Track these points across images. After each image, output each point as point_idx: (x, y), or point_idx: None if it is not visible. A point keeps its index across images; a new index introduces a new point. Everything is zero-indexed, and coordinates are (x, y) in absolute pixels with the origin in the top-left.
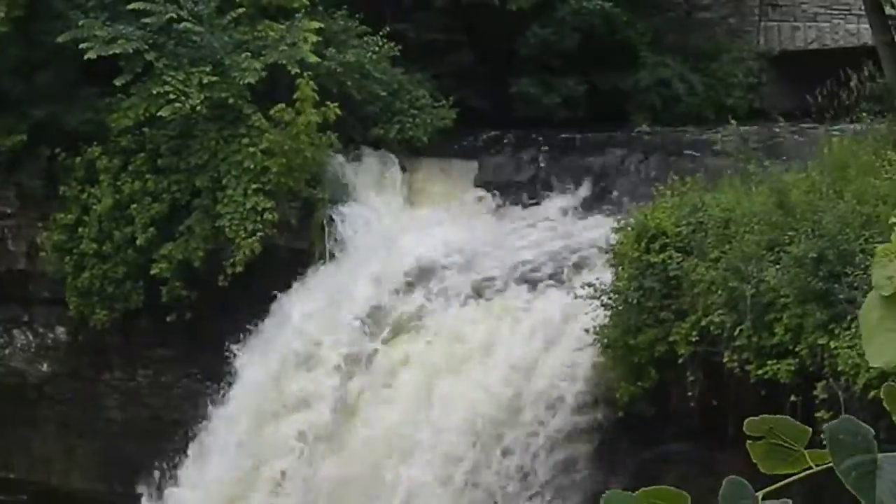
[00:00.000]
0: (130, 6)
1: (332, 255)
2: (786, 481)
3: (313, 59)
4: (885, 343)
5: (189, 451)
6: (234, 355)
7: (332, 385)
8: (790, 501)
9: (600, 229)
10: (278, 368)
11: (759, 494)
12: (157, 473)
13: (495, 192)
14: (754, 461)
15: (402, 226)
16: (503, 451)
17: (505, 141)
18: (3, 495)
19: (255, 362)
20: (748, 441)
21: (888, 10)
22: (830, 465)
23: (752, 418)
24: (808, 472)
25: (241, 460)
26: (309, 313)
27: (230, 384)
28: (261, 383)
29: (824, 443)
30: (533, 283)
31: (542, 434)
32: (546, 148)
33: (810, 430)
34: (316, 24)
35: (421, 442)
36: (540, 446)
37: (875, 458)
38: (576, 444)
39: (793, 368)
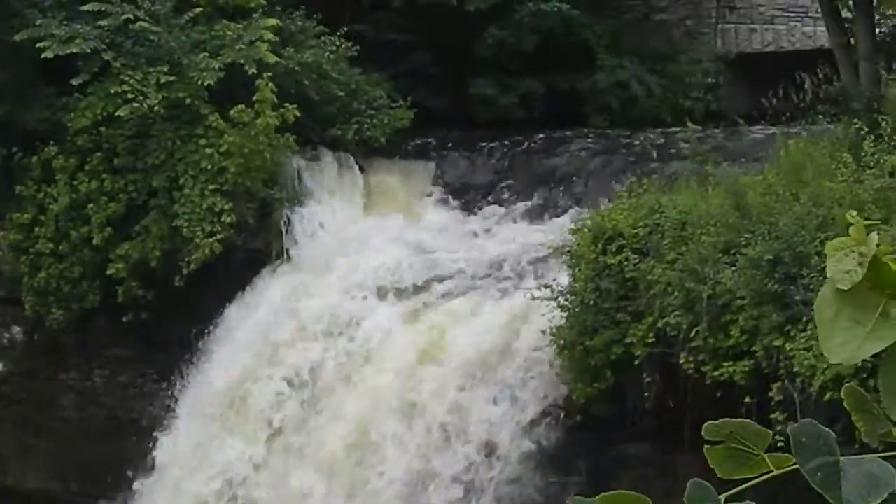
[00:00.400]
0: (87, 6)
1: (289, 256)
2: (747, 485)
3: (271, 58)
4: (843, 340)
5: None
6: (191, 355)
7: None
8: None
9: (557, 231)
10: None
11: (721, 498)
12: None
13: (453, 192)
14: (711, 466)
15: (360, 227)
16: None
17: (463, 142)
18: None
19: (213, 361)
20: (706, 446)
21: (844, 13)
22: (790, 468)
23: (711, 422)
24: (768, 475)
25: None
26: (267, 315)
27: (185, 385)
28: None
29: (780, 445)
30: (493, 284)
31: (498, 436)
32: (504, 149)
33: (770, 433)
34: (273, 23)
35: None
36: (496, 448)
37: (838, 460)
38: (533, 445)
39: (748, 370)
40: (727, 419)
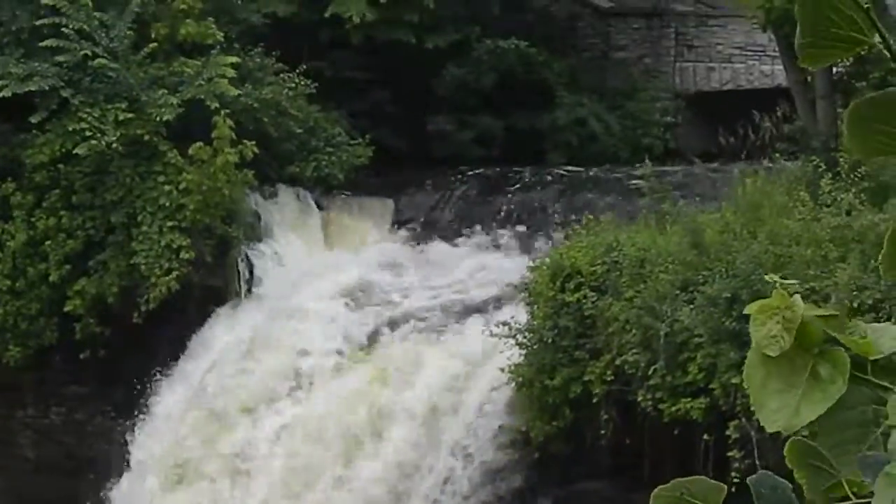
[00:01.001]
0: (45, 42)
1: (249, 292)
2: None
3: (233, 91)
4: (777, 406)
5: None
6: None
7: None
8: None
9: (516, 269)
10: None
11: None
12: None
13: (412, 230)
14: None
15: (318, 263)
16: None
17: (421, 179)
18: None
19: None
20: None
21: None
22: None
23: (661, 487)
24: None
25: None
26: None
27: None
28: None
29: (735, 483)
30: (452, 318)
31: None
32: (465, 187)
33: (725, 487)
34: (232, 60)
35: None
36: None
37: None
38: (493, 482)
39: (705, 407)
40: (678, 480)
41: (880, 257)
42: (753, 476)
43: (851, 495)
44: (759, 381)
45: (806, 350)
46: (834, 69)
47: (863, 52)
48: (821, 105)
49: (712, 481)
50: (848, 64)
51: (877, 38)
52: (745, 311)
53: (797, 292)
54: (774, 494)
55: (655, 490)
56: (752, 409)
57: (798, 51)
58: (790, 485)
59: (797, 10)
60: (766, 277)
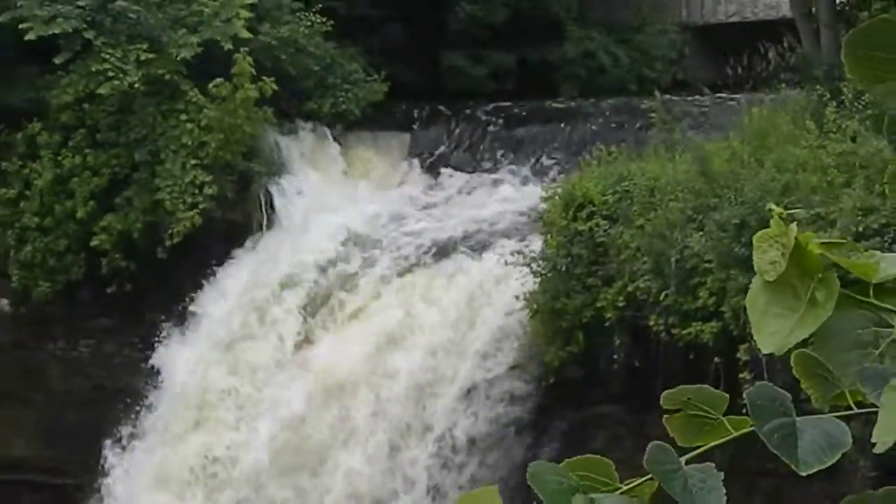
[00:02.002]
0: None
1: (270, 226)
2: (707, 446)
3: (246, 34)
4: (774, 329)
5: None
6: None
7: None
8: (713, 465)
9: (529, 198)
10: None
11: (683, 459)
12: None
13: (427, 162)
14: (671, 434)
15: (337, 196)
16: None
17: (436, 113)
18: None
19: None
20: (665, 415)
21: None
22: (749, 430)
23: (669, 391)
24: (728, 438)
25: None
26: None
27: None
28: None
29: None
30: (469, 246)
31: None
32: (477, 121)
33: (728, 396)
34: (249, 1)
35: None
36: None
37: (794, 421)
38: (509, 406)
39: (716, 331)
40: (683, 386)
41: (886, 179)
42: (753, 388)
43: (854, 406)
44: (760, 306)
45: (807, 276)
46: (838, 2)
47: None
48: (824, 34)
49: (716, 390)
50: None
51: None
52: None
53: (800, 218)
54: (773, 406)
55: (664, 393)
56: (753, 332)
57: None
58: (790, 395)
59: None
60: (769, 206)
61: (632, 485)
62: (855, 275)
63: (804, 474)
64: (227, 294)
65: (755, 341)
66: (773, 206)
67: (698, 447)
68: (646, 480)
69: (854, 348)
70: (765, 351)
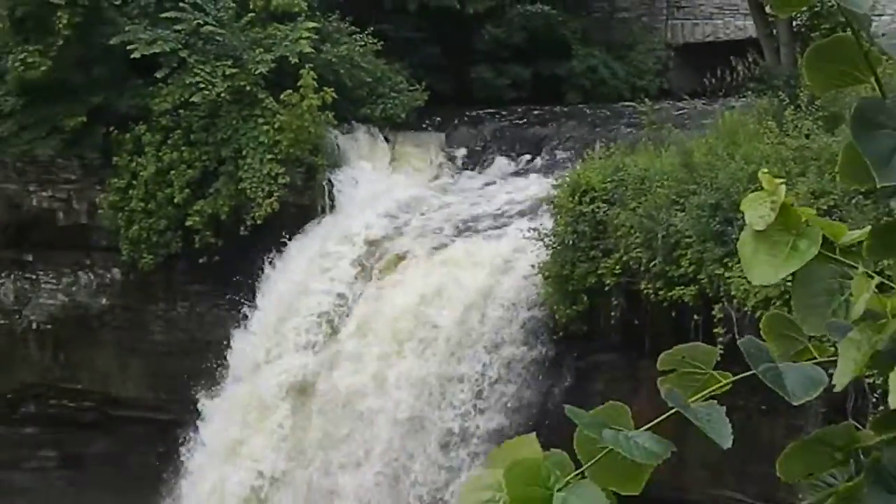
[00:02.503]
0: (166, 14)
1: (331, 208)
2: (702, 394)
3: (308, 50)
4: (762, 269)
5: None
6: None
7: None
8: (715, 402)
9: (541, 185)
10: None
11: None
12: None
13: (458, 156)
14: (665, 394)
15: (386, 184)
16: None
17: (465, 116)
18: (73, 401)
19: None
20: (658, 378)
21: (768, 9)
22: (736, 378)
23: (665, 353)
24: (718, 387)
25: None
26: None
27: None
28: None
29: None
30: (495, 225)
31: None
32: (500, 122)
33: (717, 350)
34: (312, 25)
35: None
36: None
37: (776, 365)
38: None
39: (695, 293)
40: (679, 346)
41: (837, 169)
42: (743, 339)
43: (816, 355)
44: (750, 252)
45: (788, 230)
46: (794, 23)
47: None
48: (783, 51)
49: (707, 346)
50: (805, 18)
51: None
52: (741, 206)
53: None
54: (761, 353)
55: (661, 355)
56: (744, 272)
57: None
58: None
59: None
60: (760, 173)
61: (653, 423)
62: (826, 234)
63: (796, 404)
64: (298, 260)
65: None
66: (765, 170)
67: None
68: (662, 420)
69: (824, 293)
70: (755, 283)
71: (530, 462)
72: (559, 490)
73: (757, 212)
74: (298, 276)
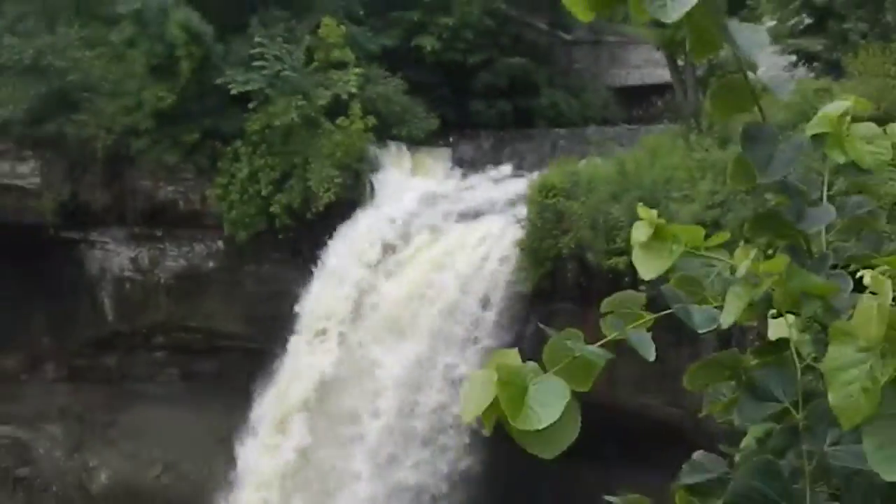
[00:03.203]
0: (256, 63)
1: (371, 200)
2: (634, 325)
3: (355, 89)
4: (648, 266)
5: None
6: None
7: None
8: (644, 329)
9: (519, 185)
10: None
11: (627, 328)
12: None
13: (462, 165)
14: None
15: (409, 183)
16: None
17: (466, 136)
18: (190, 335)
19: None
20: (601, 318)
21: (679, 62)
22: (657, 315)
23: (607, 298)
24: (645, 321)
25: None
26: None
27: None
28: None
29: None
30: (485, 212)
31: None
32: (490, 141)
33: (644, 297)
34: (359, 71)
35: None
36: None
37: (687, 306)
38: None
39: (627, 262)
40: (618, 293)
41: (728, 173)
42: (664, 286)
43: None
44: (640, 258)
45: (664, 241)
46: (696, 72)
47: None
48: (689, 92)
49: (636, 293)
50: (706, 68)
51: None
52: (631, 231)
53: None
54: (676, 296)
55: (604, 300)
56: (637, 270)
57: (690, 52)
58: (681, 292)
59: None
60: (638, 206)
61: (598, 344)
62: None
63: (700, 332)
64: (350, 236)
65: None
66: (642, 206)
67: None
68: (606, 342)
69: (695, 280)
70: (646, 278)
71: (513, 365)
72: (533, 384)
73: (640, 233)
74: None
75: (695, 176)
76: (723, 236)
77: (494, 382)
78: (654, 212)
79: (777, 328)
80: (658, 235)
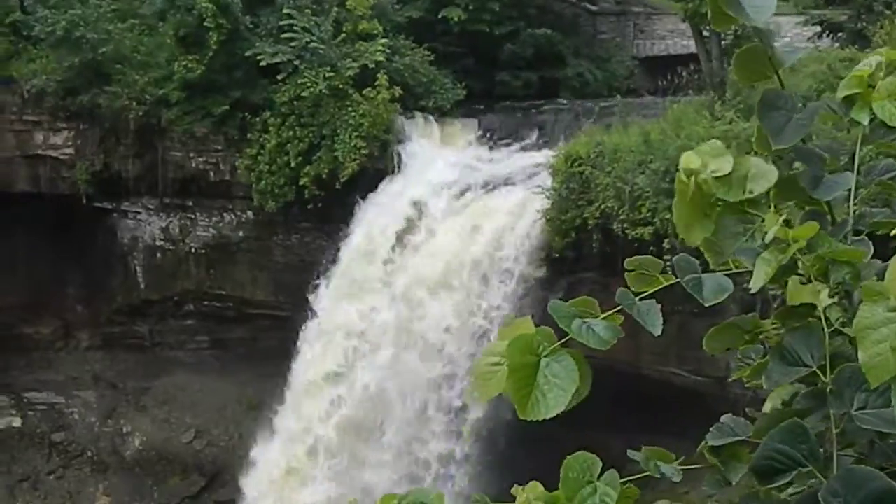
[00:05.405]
0: (284, 35)
1: (399, 170)
2: (651, 291)
3: (381, 59)
4: (693, 228)
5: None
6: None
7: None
8: (654, 300)
9: (544, 155)
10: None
11: (637, 298)
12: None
13: (488, 135)
14: (629, 284)
15: (436, 154)
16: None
17: (492, 107)
18: (219, 303)
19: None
20: (626, 272)
21: (704, 33)
22: (671, 283)
23: (630, 258)
24: (661, 287)
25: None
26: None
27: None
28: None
29: (667, 271)
30: (512, 182)
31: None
32: (517, 111)
33: (661, 262)
34: (386, 42)
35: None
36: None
37: (699, 275)
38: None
39: (652, 232)
40: (638, 256)
41: (753, 141)
42: (677, 257)
43: (734, 266)
44: (682, 217)
45: (706, 199)
46: (721, 43)
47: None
48: (714, 63)
49: (654, 258)
50: (730, 39)
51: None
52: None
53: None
54: (688, 266)
55: (628, 260)
56: (677, 230)
57: (712, 22)
58: (696, 261)
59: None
60: (684, 155)
61: (607, 314)
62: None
63: (707, 305)
64: (378, 204)
65: (678, 236)
66: (687, 154)
67: (643, 293)
68: (614, 312)
69: (735, 235)
70: (690, 242)
71: (526, 337)
72: (545, 356)
73: (685, 184)
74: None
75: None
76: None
77: (505, 367)
78: (699, 160)
79: (799, 293)
80: (705, 193)
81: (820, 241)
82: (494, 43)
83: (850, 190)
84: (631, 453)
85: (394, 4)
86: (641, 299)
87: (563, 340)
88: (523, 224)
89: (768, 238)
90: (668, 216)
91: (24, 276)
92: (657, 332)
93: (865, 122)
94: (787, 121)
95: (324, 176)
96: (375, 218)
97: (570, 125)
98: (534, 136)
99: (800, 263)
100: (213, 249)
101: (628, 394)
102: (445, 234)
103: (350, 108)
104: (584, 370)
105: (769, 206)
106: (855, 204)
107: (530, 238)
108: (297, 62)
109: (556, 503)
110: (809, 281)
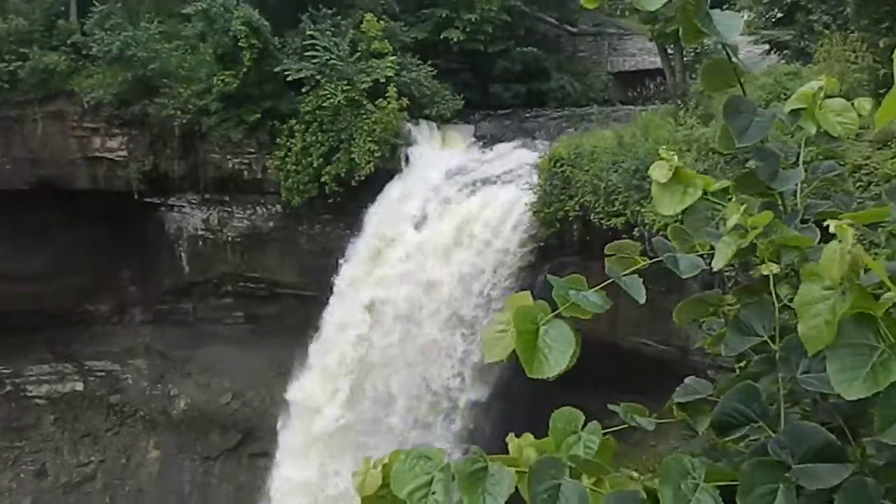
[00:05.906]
0: (308, 53)
1: (407, 169)
2: (632, 270)
3: (391, 74)
4: (666, 205)
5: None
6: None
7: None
8: (637, 276)
9: (532, 156)
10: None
11: (621, 275)
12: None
13: (482, 140)
14: (609, 266)
15: (438, 156)
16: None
17: (487, 116)
18: (253, 284)
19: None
20: (606, 257)
21: (669, 51)
22: (651, 262)
23: (610, 244)
24: (641, 266)
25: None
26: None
27: (361, 229)
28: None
29: (645, 253)
30: (502, 181)
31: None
32: (507, 119)
33: (639, 245)
34: (395, 59)
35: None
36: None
37: (675, 255)
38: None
39: (623, 222)
40: (617, 241)
41: (716, 140)
42: (655, 238)
43: (699, 250)
44: (658, 195)
45: (680, 183)
46: (684, 59)
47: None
48: (678, 76)
49: (632, 242)
50: (691, 55)
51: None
52: (648, 173)
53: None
54: (665, 247)
55: (608, 245)
56: (655, 208)
57: (682, 38)
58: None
59: (680, 18)
60: (661, 151)
61: (595, 288)
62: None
63: (684, 277)
64: (389, 198)
65: (648, 225)
66: (664, 149)
67: (626, 273)
68: (599, 288)
69: (704, 221)
70: (665, 213)
71: (528, 307)
72: (543, 324)
73: (660, 171)
74: (395, 202)
75: (681, 149)
76: (725, 183)
77: (511, 331)
78: (675, 156)
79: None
80: (676, 178)
81: (774, 228)
82: (488, 60)
83: (799, 184)
84: (612, 407)
85: (402, 27)
86: (623, 276)
87: (556, 312)
88: (512, 216)
89: (729, 224)
90: (637, 208)
91: (86, 261)
92: (641, 300)
93: (812, 130)
94: (749, 122)
95: (342, 175)
96: (386, 211)
97: (555, 130)
98: (522, 140)
99: (758, 246)
100: (247, 238)
101: (605, 360)
102: (446, 222)
103: (364, 117)
104: (576, 337)
105: (730, 198)
106: (803, 197)
107: (519, 227)
108: (318, 77)
109: (546, 450)
110: (763, 262)
